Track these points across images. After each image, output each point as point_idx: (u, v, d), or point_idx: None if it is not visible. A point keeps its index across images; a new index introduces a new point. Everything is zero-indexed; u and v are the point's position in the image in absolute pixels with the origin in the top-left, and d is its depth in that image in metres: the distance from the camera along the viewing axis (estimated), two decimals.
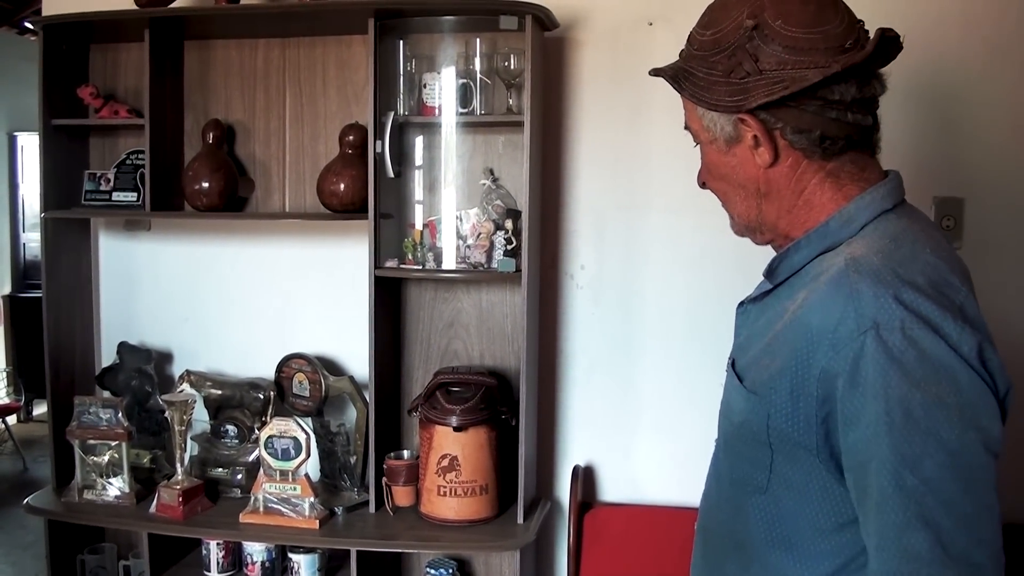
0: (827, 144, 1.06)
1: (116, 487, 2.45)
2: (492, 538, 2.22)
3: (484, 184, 2.37)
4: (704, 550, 1.22)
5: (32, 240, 6.25)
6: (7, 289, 6.19)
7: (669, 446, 2.47)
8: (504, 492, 2.34)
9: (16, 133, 6.16)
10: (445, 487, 2.25)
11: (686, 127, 1.16)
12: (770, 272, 1.14)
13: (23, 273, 6.30)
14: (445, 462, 2.25)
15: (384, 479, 2.36)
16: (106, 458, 2.45)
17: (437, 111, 2.30)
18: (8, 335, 6.07)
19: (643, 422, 2.49)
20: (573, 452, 2.53)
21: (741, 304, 1.23)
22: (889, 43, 1.05)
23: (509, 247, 2.25)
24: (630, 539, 2.39)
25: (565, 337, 2.51)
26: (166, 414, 2.42)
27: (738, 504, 1.11)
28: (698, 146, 1.17)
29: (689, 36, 1.12)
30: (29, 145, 6.14)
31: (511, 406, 2.31)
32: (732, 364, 1.14)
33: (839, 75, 1.02)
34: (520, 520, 2.28)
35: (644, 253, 2.44)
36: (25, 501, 2.50)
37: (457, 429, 2.23)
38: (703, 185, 1.20)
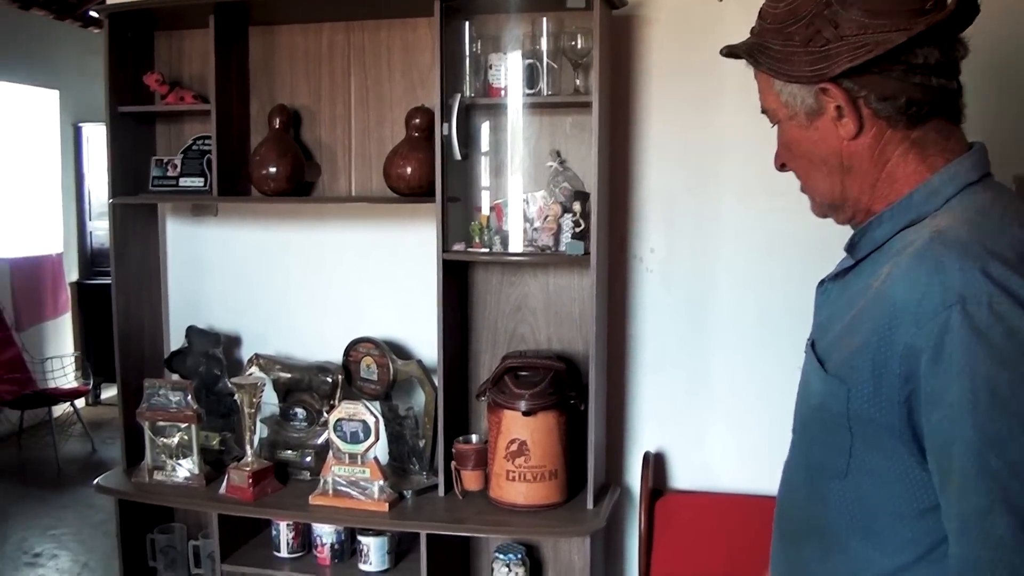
0: (912, 110, 1.04)
1: (186, 468, 2.51)
2: (562, 523, 2.23)
3: (551, 166, 2.37)
4: (782, 538, 1.20)
5: (98, 228, 6.47)
6: (75, 276, 6.42)
7: (742, 433, 2.45)
8: (573, 478, 2.34)
9: (81, 124, 6.36)
10: (514, 472, 2.27)
11: (763, 110, 1.14)
12: (851, 247, 1.12)
13: (90, 260, 6.53)
14: (514, 447, 2.26)
15: (453, 463, 2.38)
16: (176, 440, 2.52)
17: (503, 92, 2.30)
18: (76, 321, 6.31)
19: (715, 408, 2.47)
20: (643, 438, 2.52)
21: (821, 283, 1.20)
22: (968, 4, 1.02)
23: (577, 230, 2.24)
24: (702, 527, 2.38)
25: (634, 322, 2.50)
26: (235, 397, 2.47)
27: (816, 491, 1.10)
28: (775, 127, 1.15)
29: (761, 11, 1.11)
30: (94, 136, 6.33)
31: (580, 391, 2.31)
32: (812, 346, 1.12)
33: (922, 36, 1.00)
34: (590, 506, 2.28)
35: (715, 236, 2.42)
36: (96, 481, 2.57)
37: (526, 414, 2.24)
38: (782, 167, 1.18)
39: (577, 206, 2.26)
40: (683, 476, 2.51)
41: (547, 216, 2.29)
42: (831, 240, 1.22)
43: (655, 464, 2.50)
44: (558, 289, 2.47)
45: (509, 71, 2.30)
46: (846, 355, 1.03)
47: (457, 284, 2.46)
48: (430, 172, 2.32)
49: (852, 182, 1.10)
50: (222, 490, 2.45)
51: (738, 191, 2.39)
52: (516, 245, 2.31)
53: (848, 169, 1.09)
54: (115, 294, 2.62)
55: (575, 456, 2.35)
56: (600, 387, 2.32)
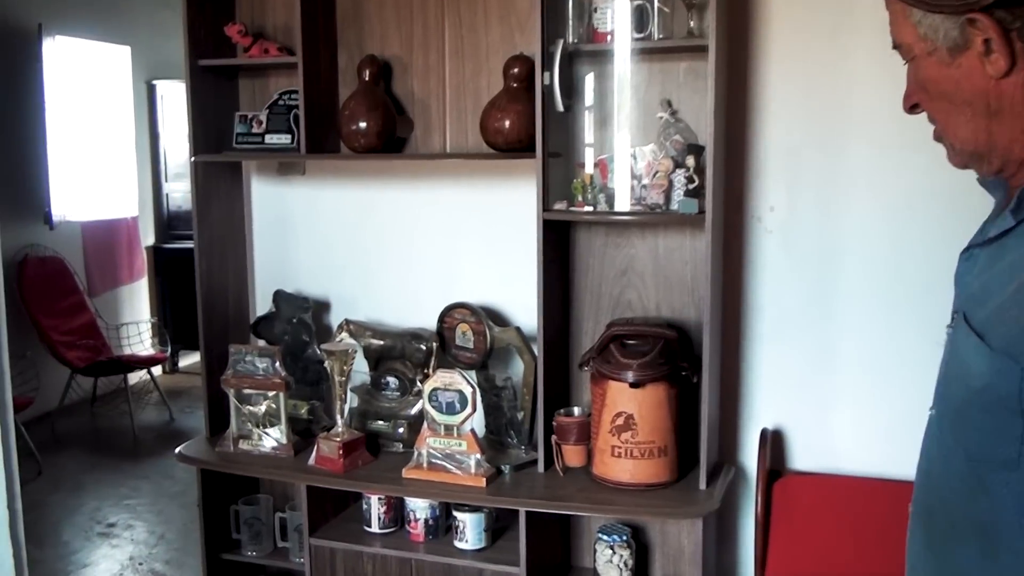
0: None
1: (273, 438, 2.60)
2: (671, 504, 2.25)
3: (661, 117, 2.35)
4: (927, 534, 1.15)
5: (175, 191, 6.67)
6: (151, 240, 6.64)
7: (871, 410, 2.42)
8: (684, 455, 2.36)
9: (155, 81, 6.53)
10: (620, 447, 2.29)
11: (895, 46, 1.10)
12: (1018, 205, 1.09)
13: (166, 224, 6.74)
14: (620, 420, 2.28)
15: (553, 437, 2.41)
16: (263, 408, 2.62)
17: (609, 38, 2.29)
18: (153, 286, 6.54)
19: (841, 383, 2.44)
20: (760, 414, 2.52)
21: (967, 249, 1.15)
22: None
23: (690, 186, 2.23)
24: (825, 512, 2.37)
25: (752, 287, 2.48)
26: (325, 364, 2.54)
27: (978, 483, 1.05)
28: (908, 63, 1.10)
29: None
30: (168, 93, 6.50)
31: (692, 362, 2.31)
32: (964, 318, 1.07)
33: None
34: (702, 486, 2.29)
35: (843, 193, 2.38)
36: (177, 450, 2.69)
37: (633, 385, 2.25)
38: (912, 109, 1.13)
39: (690, 160, 2.25)
40: (804, 456, 2.49)
41: (657, 172, 2.28)
42: (975, 197, 1.17)
43: (773, 442, 2.48)
44: (668, 251, 2.46)
45: (616, 14, 2.28)
46: (1017, 331, 0.98)
47: (558, 246, 2.48)
48: (530, 126, 2.33)
49: (1000, 127, 1.05)
50: (311, 461, 2.53)
51: (870, 142, 2.34)
52: (623, 204, 2.31)
53: (996, 112, 1.04)
54: (198, 257, 2.72)
55: (686, 432, 2.36)
56: (714, 357, 2.32)
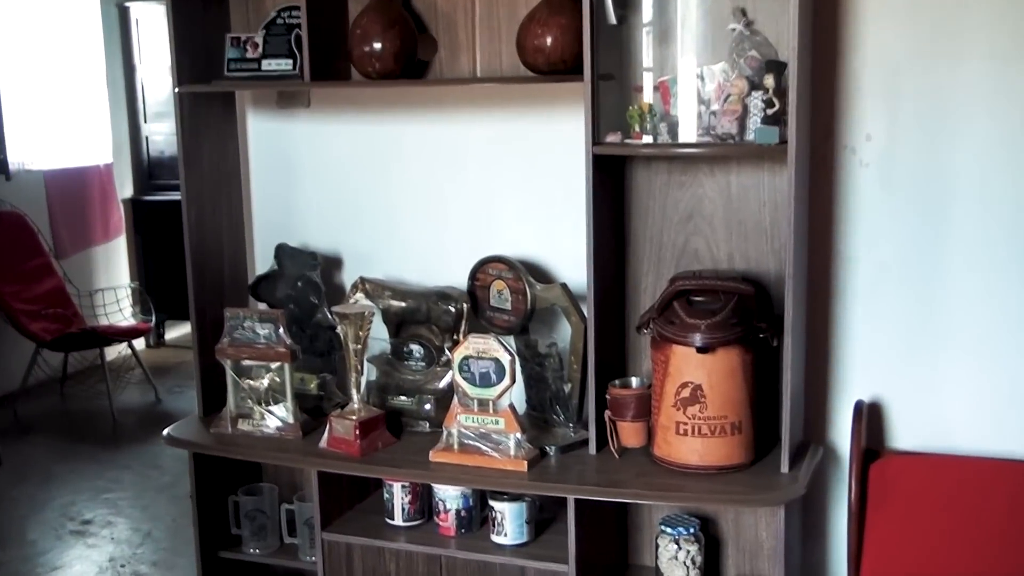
0: None
1: (278, 417, 2.63)
2: (747, 490, 2.25)
3: (734, 30, 2.32)
4: None
5: (156, 133, 6.58)
6: (129, 192, 6.61)
7: (989, 378, 2.41)
8: (762, 433, 2.36)
9: (128, 3, 6.47)
10: (686, 424, 2.29)
11: None
12: None
13: (147, 172, 6.69)
14: (686, 392, 2.28)
15: (607, 413, 2.42)
16: (265, 382, 2.64)
17: None
18: (132, 246, 6.51)
19: (953, 347, 2.43)
20: (854, 384, 2.51)
21: None
22: None
23: (769, 112, 2.22)
24: (932, 498, 2.37)
25: (844, 232, 2.47)
26: (337, 330, 2.57)
27: None
28: None
29: None
30: (145, 17, 6.45)
31: (771, 322, 2.31)
32: None
33: None
34: (784, 468, 2.29)
35: (955, 118, 2.35)
36: (166, 432, 2.73)
37: (702, 350, 2.25)
38: None
39: (769, 81, 2.23)
40: (907, 433, 2.49)
41: (729, 96, 2.27)
42: None
43: (870, 417, 2.49)
44: (743, 191, 2.45)
45: None
46: None
47: (611, 186, 2.47)
48: (576, 42, 2.32)
49: None
50: (322, 443, 2.56)
51: (991, 54, 2.31)
52: (688, 134, 2.30)
53: None
54: (185, 208, 2.74)
55: (765, 405, 2.36)
56: (798, 317, 2.31)
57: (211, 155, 2.81)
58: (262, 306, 2.83)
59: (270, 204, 2.93)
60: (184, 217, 2.73)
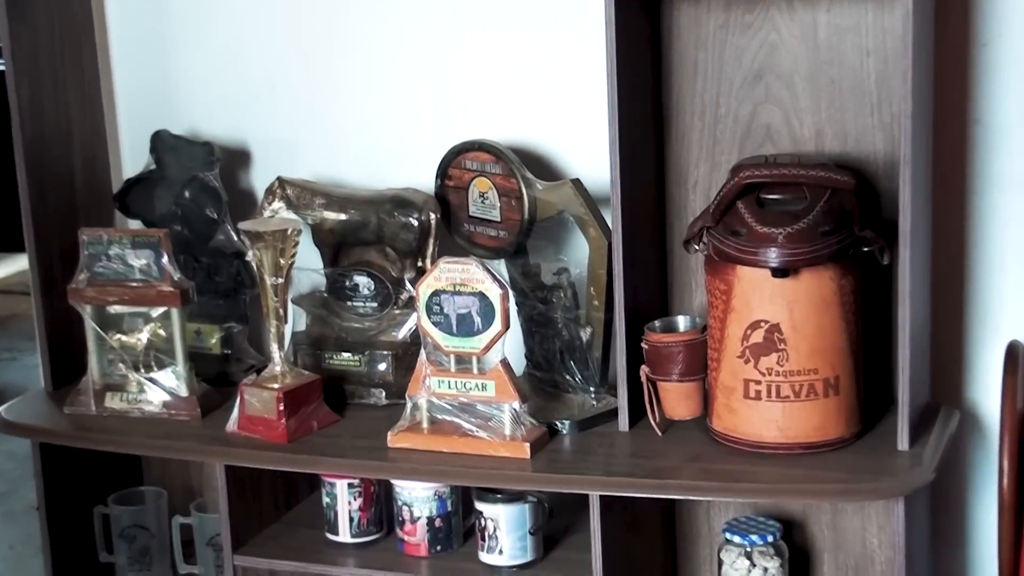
0: None
1: (164, 388, 2.66)
2: (850, 477, 2.25)
3: None
4: None
5: None
6: None
7: None
8: (870, 393, 2.36)
9: None
10: (759, 383, 2.29)
11: None
12: None
13: None
14: (758, 336, 2.28)
15: (644, 370, 2.43)
16: (143, 337, 2.66)
17: None
18: None
19: None
20: (1003, 320, 2.52)
21: None
22: None
23: None
24: None
25: (987, 93, 2.46)
26: (248, 257, 2.56)
27: None
28: None
29: None
30: None
31: (881, 229, 2.30)
32: None
33: None
34: (903, 444, 2.30)
35: None
36: None
37: (780, 272, 2.24)
38: None
39: None
40: None
41: None
42: None
43: None
44: (835, 35, 2.45)
45: None
46: None
47: (644, 33, 2.47)
48: None
49: None
50: (231, 425, 2.59)
51: None
52: None
53: None
54: (13, 80, 2.73)
55: (873, 353, 2.36)
56: (920, 221, 2.32)
57: (48, 4, 2.81)
58: (135, 224, 2.83)
59: (141, 73, 2.95)
60: (11, 96, 2.73)
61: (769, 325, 2.27)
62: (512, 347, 2.52)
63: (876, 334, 2.38)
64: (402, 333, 2.65)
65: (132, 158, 2.94)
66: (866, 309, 2.34)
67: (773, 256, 2.23)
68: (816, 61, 2.46)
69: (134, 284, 2.63)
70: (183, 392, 2.65)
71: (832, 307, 2.28)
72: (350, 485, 2.57)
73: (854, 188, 2.29)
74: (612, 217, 2.39)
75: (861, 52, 2.43)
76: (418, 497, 2.52)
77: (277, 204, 2.68)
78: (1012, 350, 2.44)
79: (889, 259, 2.30)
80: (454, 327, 2.41)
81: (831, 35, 2.44)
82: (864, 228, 2.28)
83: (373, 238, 2.66)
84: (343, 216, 2.67)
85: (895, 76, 2.34)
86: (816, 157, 2.45)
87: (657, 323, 2.48)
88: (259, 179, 2.88)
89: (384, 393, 2.64)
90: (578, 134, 2.62)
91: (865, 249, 2.29)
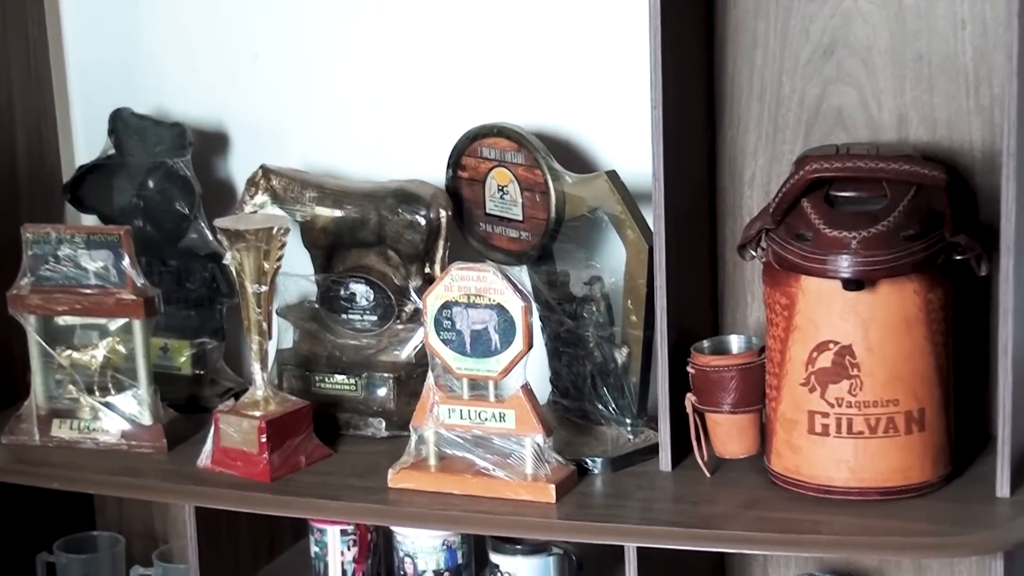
0: None
1: (122, 415, 2.66)
2: (938, 528, 2.23)
3: None
4: None
5: None
6: None
7: None
8: (962, 428, 2.35)
9: None
10: (826, 416, 2.28)
11: None
12: None
13: None
14: (825, 359, 2.27)
15: (690, 398, 2.42)
16: (99, 353, 2.67)
17: None
18: None
19: None
20: None
21: None
22: None
23: None
24: None
25: None
26: (225, 260, 2.56)
27: None
28: None
29: None
30: None
31: (976, 232, 2.29)
32: None
33: None
34: (1003, 490, 2.28)
35: None
36: None
37: (853, 284, 2.22)
38: None
39: None
40: None
41: None
42: None
43: None
44: (924, 1, 2.44)
45: None
46: None
47: (695, 3, 2.47)
48: None
49: None
50: (203, 460, 2.60)
51: None
52: None
53: None
54: None
55: (966, 382, 2.35)
56: None
57: None
58: (90, 220, 2.84)
59: (98, 41, 2.97)
60: None
61: (839, 347, 2.26)
62: (535, 370, 2.51)
63: (970, 359, 2.37)
64: (406, 352, 2.65)
65: (86, 141, 2.97)
66: (958, 329, 2.33)
67: (845, 265, 2.22)
68: (900, 33, 2.46)
69: (88, 291, 2.64)
70: (146, 420, 2.66)
71: (916, 326, 2.27)
72: (343, 532, 2.59)
73: (945, 185, 2.27)
74: (654, 217, 2.38)
75: (955, 22, 2.42)
76: (423, 547, 2.54)
77: (261, 198, 2.69)
78: None
79: (987, 269, 2.29)
80: (467, 346, 2.40)
81: (918, 2, 2.44)
82: (957, 232, 2.27)
83: (373, 239, 2.67)
84: (338, 212, 2.67)
85: (996, 51, 2.33)
86: (898, 147, 2.44)
87: (706, 343, 2.48)
88: (239, 168, 2.89)
89: (384, 423, 2.65)
90: (615, 118, 2.63)
91: (958, 257, 2.28)
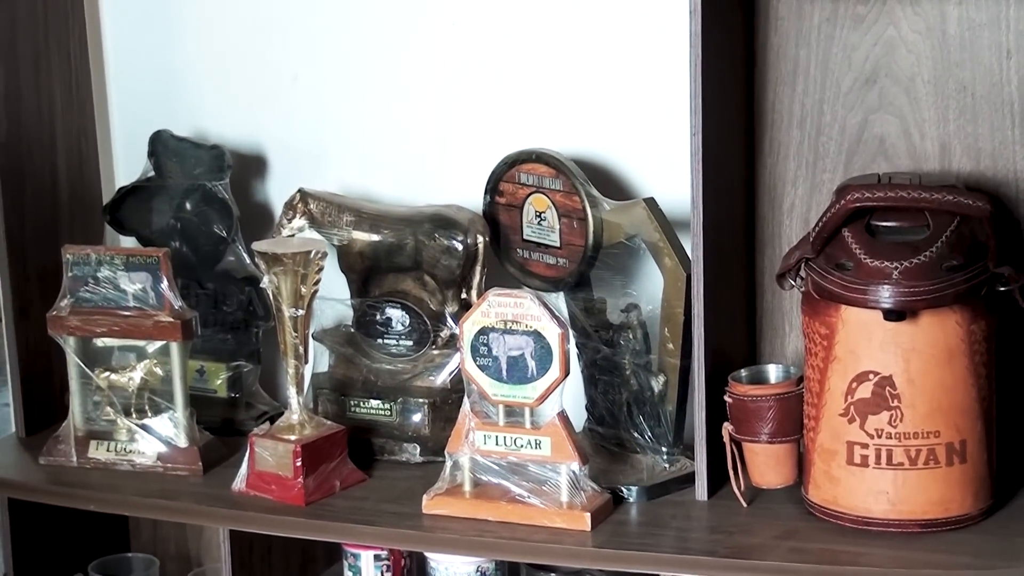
0: None
1: (159, 437, 2.64)
2: (976, 562, 2.20)
3: None
4: None
5: None
6: None
7: None
8: (1004, 461, 2.33)
9: None
10: (866, 447, 2.25)
11: None
12: None
13: None
14: (865, 390, 2.24)
15: (727, 428, 2.40)
16: (136, 375, 2.65)
17: None
18: None
19: None
20: None
21: None
22: None
23: None
24: None
25: None
26: (263, 284, 2.54)
27: None
28: None
29: None
30: None
31: (1021, 263, 2.27)
32: None
33: None
34: None
35: None
36: None
37: (893, 315, 2.20)
38: None
39: None
40: None
41: None
42: None
43: None
44: (969, 31, 2.42)
45: None
46: None
47: (735, 26, 2.47)
48: None
49: None
50: (238, 484, 2.57)
51: None
52: None
53: None
54: None
55: (1009, 414, 2.34)
56: None
57: None
58: (128, 242, 2.83)
59: (139, 63, 2.96)
60: None
61: (879, 378, 2.24)
62: (571, 397, 2.49)
63: (1012, 391, 2.33)
64: (441, 378, 2.63)
65: (126, 163, 2.96)
66: (1001, 361, 2.30)
67: (886, 295, 2.19)
68: (944, 62, 2.44)
69: (127, 313, 2.62)
70: (182, 442, 2.64)
71: (958, 357, 2.24)
72: (377, 557, 2.58)
73: (989, 215, 2.24)
74: (692, 244, 2.36)
75: (1000, 52, 2.41)
76: (457, 574, 2.54)
77: (298, 221, 2.67)
78: None
79: None
80: (504, 372, 2.38)
81: (963, 31, 2.42)
82: (1001, 263, 2.24)
83: (409, 264, 2.65)
84: (375, 237, 2.66)
85: None
86: (941, 177, 2.42)
87: (744, 372, 2.45)
88: (277, 191, 2.88)
89: (419, 449, 2.62)
90: (653, 145, 2.61)
91: (1001, 289, 2.25)
